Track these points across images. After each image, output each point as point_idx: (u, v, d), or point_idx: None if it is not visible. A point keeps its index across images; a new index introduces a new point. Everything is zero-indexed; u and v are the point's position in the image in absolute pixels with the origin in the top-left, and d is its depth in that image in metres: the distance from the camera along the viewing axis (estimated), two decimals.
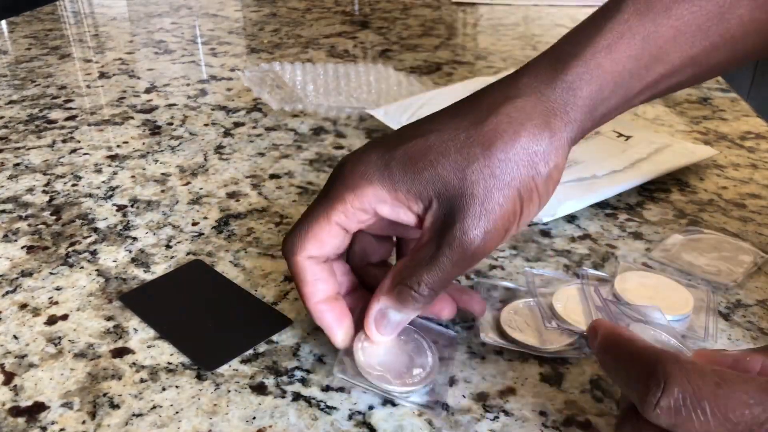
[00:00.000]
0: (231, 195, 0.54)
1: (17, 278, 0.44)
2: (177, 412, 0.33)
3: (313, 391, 0.34)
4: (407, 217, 0.33)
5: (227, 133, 0.66)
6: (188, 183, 0.56)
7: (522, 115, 0.32)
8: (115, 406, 0.34)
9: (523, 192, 0.32)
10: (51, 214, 0.51)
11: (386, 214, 0.33)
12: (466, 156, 0.32)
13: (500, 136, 0.32)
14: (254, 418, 0.33)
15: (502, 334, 0.37)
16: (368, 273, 0.38)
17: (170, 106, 0.73)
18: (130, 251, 0.46)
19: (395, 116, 0.62)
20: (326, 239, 0.34)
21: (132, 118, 0.70)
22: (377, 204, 0.33)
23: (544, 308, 0.38)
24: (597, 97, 0.33)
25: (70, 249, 0.47)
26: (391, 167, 0.33)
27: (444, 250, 0.31)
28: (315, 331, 0.38)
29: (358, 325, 0.35)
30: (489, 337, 0.37)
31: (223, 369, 0.36)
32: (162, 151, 0.62)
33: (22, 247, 0.47)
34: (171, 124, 0.68)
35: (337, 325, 0.35)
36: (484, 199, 0.31)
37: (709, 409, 0.23)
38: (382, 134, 0.35)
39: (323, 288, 0.35)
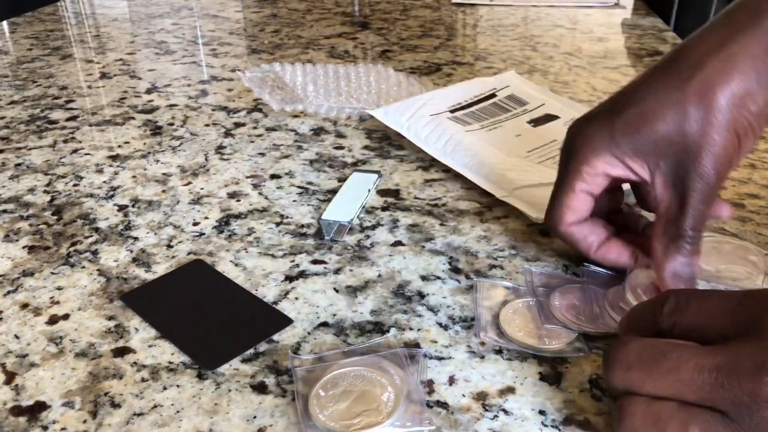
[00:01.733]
0: (232, 195, 0.54)
1: (18, 278, 0.44)
2: (178, 412, 0.33)
3: None
4: (638, 178, 0.38)
5: (228, 134, 0.66)
6: (189, 183, 0.56)
7: (729, 65, 0.35)
8: (116, 406, 0.34)
9: (740, 130, 0.36)
10: (52, 214, 0.52)
11: (620, 175, 0.39)
12: (683, 113, 0.35)
13: (711, 89, 0.35)
14: (255, 417, 0.33)
15: (502, 333, 0.37)
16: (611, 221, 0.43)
17: (171, 106, 0.73)
18: (131, 251, 0.47)
19: (395, 117, 0.62)
20: (578, 206, 0.40)
21: (133, 118, 0.70)
22: (610, 170, 0.38)
23: (542, 306, 0.39)
24: None
25: (71, 249, 0.47)
26: (615, 138, 0.38)
27: (690, 196, 0.36)
28: (315, 331, 0.38)
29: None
30: (488, 336, 0.37)
31: (224, 368, 0.36)
32: (163, 151, 0.62)
33: (24, 247, 0.47)
34: (172, 124, 0.68)
35: (622, 256, 0.40)
36: (708, 145, 0.35)
37: (696, 307, 0.29)
38: (604, 102, 0.40)
39: (595, 239, 0.41)
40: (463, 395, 0.34)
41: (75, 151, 0.63)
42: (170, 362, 0.36)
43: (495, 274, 0.43)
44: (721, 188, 0.37)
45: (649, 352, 0.28)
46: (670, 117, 0.36)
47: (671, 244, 0.37)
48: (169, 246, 0.47)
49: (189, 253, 0.46)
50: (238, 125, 0.68)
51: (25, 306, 0.41)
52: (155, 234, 0.49)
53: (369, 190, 0.54)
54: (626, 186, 0.43)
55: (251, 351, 0.37)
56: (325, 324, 0.39)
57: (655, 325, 0.30)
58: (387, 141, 0.63)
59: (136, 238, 0.48)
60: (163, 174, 0.58)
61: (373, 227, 0.49)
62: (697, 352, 0.27)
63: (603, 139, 0.38)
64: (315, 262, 0.45)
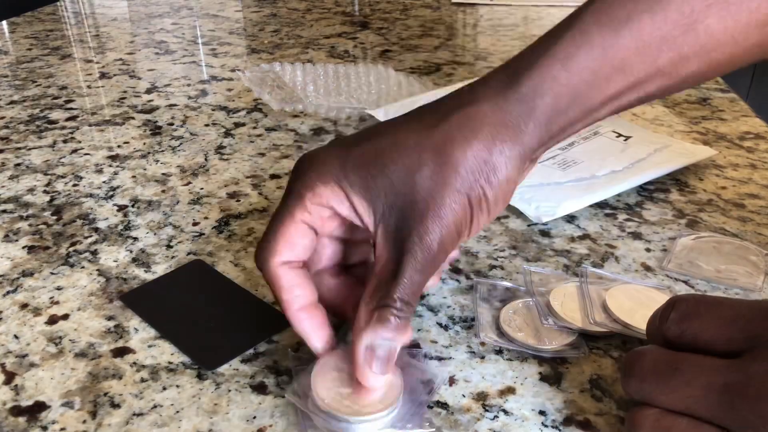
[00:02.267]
0: (231, 195, 0.54)
1: (18, 278, 0.44)
2: (177, 412, 0.33)
3: None
4: (361, 224, 0.33)
5: (228, 134, 0.66)
6: (189, 183, 0.56)
7: (474, 123, 0.32)
8: (115, 406, 0.34)
9: (473, 200, 0.32)
10: (52, 214, 0.52)
11: (345, 214, 0.33)
12: (417, 160, 0.32)
13: (450, 143, 0.32)
14: (255, 417, 0.33)
15: (502, 333, 0.37)
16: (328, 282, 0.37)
17: (171, 106, 0.73)
18: (131, 251, 0.47)
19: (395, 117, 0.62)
20: (296, 240, 0.34)
21: (133, 118, 0.70)
22: (335, 203, 0.33)
23: (541, 306, 0.39)
24: (553, 110, 0.32)
25: (70, 249, 0.47)
26: (346, 170, 0.33)
27: (406, 260, 0.31)
28: None
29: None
30: (488, 336, 0.37)
31: (224, 368, 0.36)
32: (163, 151, 0.62)
33: (23, 247, 0.47)
34: (172, 124, 0.68)
35: (316, 333, 0.34)
36: (435, 205, 0.31)
37: (705, 314, 0.28)
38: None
39: (301, 294, 0.34)
40: (463, 395, 0.34)
41: (74, 151, 0.62)
42: (170, 362, 0.36)
43: (495, 274, 0.43)
44: (442, 260, 0.33)
45: (663, 365, 0.28)
46: (402, 163, 0.32)
47: (376, 313, 0.31)
48: (169, 246, 0.47)
49: (189, 254, 0.46)
50: (237, 125, 0.68)
51: (24, 306, 0.41)
52: (155, 234, 0.49)
53: None
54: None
55: (251, 351, 0.37)
56: None
57: (662, 333, 0.30)
58: None
59: (135, 238, 0.48)
60: (163, 174, 0.58)
61: None
62: (709, 369, 0.27)
63: (333, 167, 0.33)
64: None
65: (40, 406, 0.34)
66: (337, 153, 0.34)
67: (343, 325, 0.37)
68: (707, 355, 0.28)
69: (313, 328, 0.34)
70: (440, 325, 0.39)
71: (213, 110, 0.72)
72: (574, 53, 0.32)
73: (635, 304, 0.38)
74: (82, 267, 0.45)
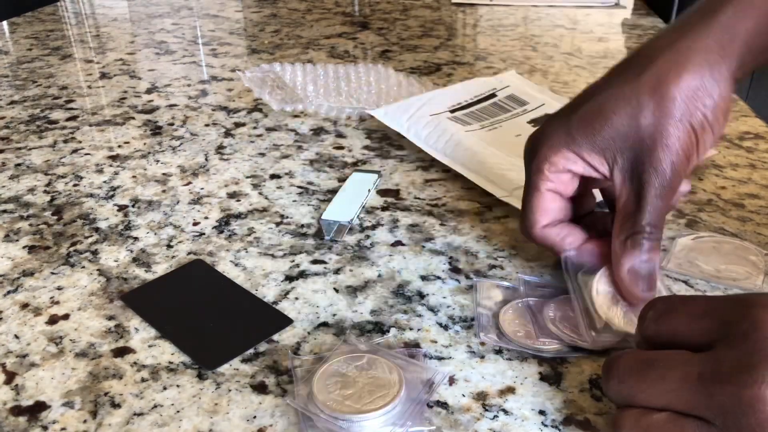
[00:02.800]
0: (232, 195, 0.54)
1: (18, 278, 0.44)
2: (178, 412, 0.33)
3: None
4: (599, 174, 0.38)
5: (228, 134, 0.66)
6: (189, 183, 0.56)
7: (681, 56, 0.35)
8: (116, 406, 0.34)
9: (695, 124, 0.35)
10: (52, 214, 0.52)
11: (581, 172, 0.38)
12: (636, 105, 0.35)
13: (664, 80, 0.35)
14: (255, 417, 0.33)
15: (502, 333, 0.37)
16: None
17: (171, 106, 0.73)
18: (131, 251, 0.47)
19: (395, 117, 0.62)
20: (548, 206, 0.39)
21: (133, 118, 0.70)
22: (570, 165, 0.38)
23: (536, 319, 0.38)
24: (754, 32, 0.36)
25: (71, 249, 0.47)
26: (571, 133, 0.37)
27: (646, 191, 0.35)
28: (315, 331, 0.38)
29: None
30: (488, 337, 0.37)
31: (224, 368, 0.36)
32: (163, 151, 0.62)
33: (24, 247, 0.47)
34: (172, 124, 0.68)
35: (598, 257, 0.39)
36: (662, 137, 0.35)
37: (678, 311, 0.29)
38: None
39: (572, 240, 0.39)
40: (463, 395, 0.34)
41: (75, 151, 0.63)
42: (170, 362, 0.36)
43: (495, 274, 0.43)
44: (679, 184, 0.37)
45: (639, 364, 0.28)
46: (623, 111, 0.36)
47: (629, 240, 0.36)
48: (169, 246, 0.47)
49: (189, 253, 0.46)
50: (238, 125, 0.68)
51: (25, 306, 0.41)
52: (155, 234, 0.49)
53: (369, 190, 0.54)
54: (597, 192, 0.43)
55: (251, 351, 0.37)
56: (325, 324, 0.39)
57: (641, 333, 0.30)
58: (387, 141, 0.63)
59: (136, 238, 0.48)
60: (163, 174, 0.58)
61: (373, 227, 0.49)
62: (683, 361, 0.27)
63: (559, 136, 0.38)
64: (315, 262, 0.45)
65: (40, 406, 0.34)
66: (558, 123, 0.38)
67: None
68: (679, 350, 0.28)
69: (594, 256, 0.39)
70: (440, 324, 0.39)
71: (213, 110, 0.72)
72: None
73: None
74: (83, 267, 0.45)
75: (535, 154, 0.39)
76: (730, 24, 0.36)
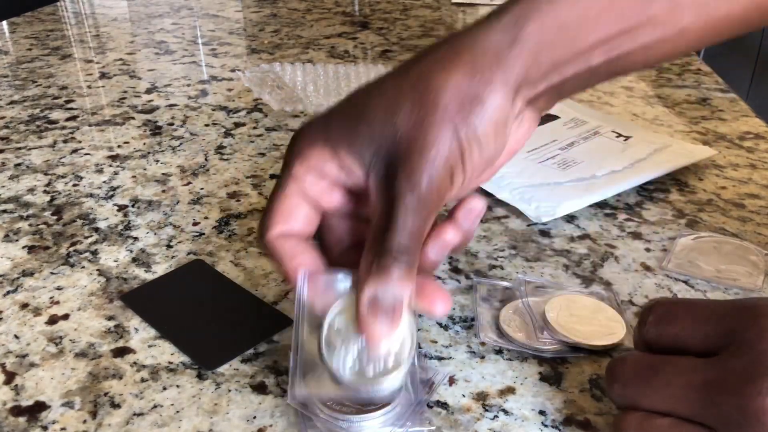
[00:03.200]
0: (231, 195, 0.54)
1: (18, 278, 0.44)
2: (178, 412, 0.33)
3: None
4: (352, 180, 0.32)
5: (228, 134, 0.66)
6: (189, 183, 0.56)
7: (452, 54, 0.31)
8: (115, 406, 0.34)
9: (460, 133, 0.30)
10: (52, 214, 0.52)
11: (335, 175, 0.32)
12: (395, 103, 0.31)
13: (427, 77, 0.30)
14: (255, 417, 0.33)
15: (502, 334, 0.37)
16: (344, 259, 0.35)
17: (171, 106, 0.73)
18: (131, 251, 0.47)
19: None
20: (291, 210, 0.33)
21: (133, 118, 0.70)
22: (323, 165, 0.32)
23: (535, 317, 0.38)
24: (539, 40, 0.31)
25: (71, 249, 0.47)
26: (330, 128, 0.32)
27: (397, 203, 0.30)
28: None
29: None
30: (488, 337, 0.37)
31: (224, 368, 0.36)
32: (163, 151, 0.62)
33: (23, 247, 0.47)
34: (172, 124, 0.68)
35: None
36: (418, 141, 0.30)
37: (681, 315, 0.28)
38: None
39: (309, 262, 0.32)
40: (463, 395, 0.34)
41: (75, 151, 0.63)
42: (170, 362, 0.36)
43: (495, 274, 0.43)
44: (438, 206, 0.31)
45: (643, 368, 0.28)
46: (381, 106, 0.31)
47: (374, 264, 0.29)
48: (169, 246, 0.47)
49: (189, 253, 0.46)
50: (237, 125, 0.68)
51: (24, 306, 0.41)
52: (155, 234, 0.49)
53: None
54: None
55: (251, 351, 0.37)
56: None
57: (642, 337, 0.30)
58: None
59: (135, 238, 0.48)
60: (163, 174, 0.58)
61: None
62: (688, 368, 0.27)
63: (317, 128, 0.33)
64: None
65: (40, 406, 0.34)
66: (322, 116, 0.33)
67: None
68: (684, 356, 0.28)
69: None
70: (440, 325, 0.39)
71: (213, 110, 0.72)
72: None
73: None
74: (83, 267, 0.45)
75: (291, 149, 0.33)
76: (512, 26, 0.31)
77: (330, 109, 0.33)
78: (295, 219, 0.33)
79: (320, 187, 0.33)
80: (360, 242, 0.33)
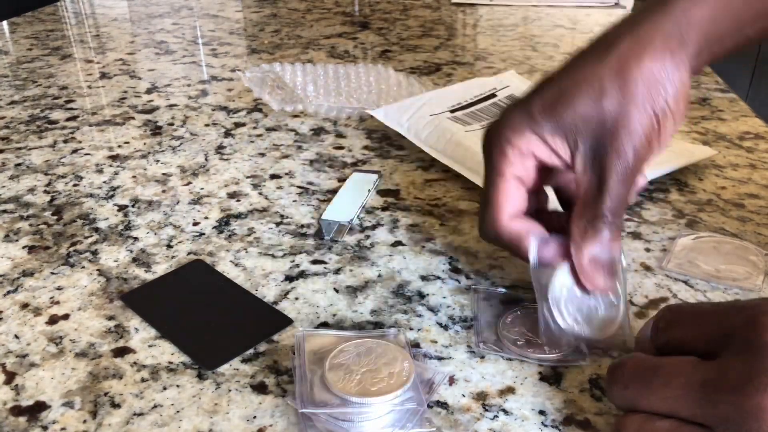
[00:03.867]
0: (232, 195, 0.54)
1: (18, 278, 0.44)
2: (178, 412, 0.33)
3: None
4: (559, 160, 0.37)
5: (228, 134, 0.66)
6: (189, 183, 0.56)
7: (641, 42, 0.35)
8: (116, 406, 0.34)
9: (657, 110, 0.35)
10: (52, 214, 0.52)
11: (543, 157, 0.37)
12: (598, 89, 0.35)
13: (626, 65, 0.35)
14: (255, 417, 0.33)
15: (501, 343, 0.37)
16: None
17: (171, 106, 0.73)
18: (131, 251, 0.47)
19: (395, 117, 0.62)
20: (513, 193, 0.37)
21: (133, 118, 0.70)
22: (535, 150, 0.37)
23: (544, 315, 0.37)
24: (708, 19, 0.36)
25: (71, 249, 0.47)
26: (534, 117, 0.36)
27: (608, 175, 0.34)
28: (315, 331, 0.38)
29: None
30: (488, 346, 0.37)
31: (224, 368, 0.36)
32: (163, 151, 0.62)
33: (24, 247, 0.47)
34: (172, 124, 0.68)
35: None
36: (624, 121, 0.34)
37: (686, 320, 0.29)
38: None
39: (540, 232, 0.37)
40: (463, 395, 0.34)
41: (75, 151, 0.63)
42: (170, 362, 0.36)
43: (495, 274, 0.43)
44: (640, 171, 0.36)
45: (643, 370, 0.28)
46: (586, 94, 0.35)
47: (589, 228, 0.35)
48: (169, 246, 0.47)
49: (189, 253, 0.46)
50: (238, 125, 0.68)
51: (25, 306, 0.41)
52: (155, 234, 0.49)
53: (369, 190, 0.54)
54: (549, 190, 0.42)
55: (251, 351, 0.37)
56: (325, 324, 0.39)
57: (654, 342, 0.31)
58: (387, 141, 0.63)
59: (136, 238, 0.48)
60: (163, 174, 0.58)
61: (373, 227, 0.49)
62: (687, 369, 0.27)
63: (522, 119, 0.37)
64: (315, 262, 0.45)
65: (40, 406, 0.34)
66: (520, 108, 0.37)
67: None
68: (684, 357, 0.28)
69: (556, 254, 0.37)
70: (440, 324, 0.39)
71: (213, 110, 0.72)
72: None
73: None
74: (83, 267, 0.45)
75: (496, 139, 0.37)
76: (686, 10, 0.36)
77: (524, 101, 0.37)
78: (517, 200, 0.38)
79: (530, 170, 0.38)
80: (533, 212, 0.39)
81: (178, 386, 0.35)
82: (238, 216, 0.51)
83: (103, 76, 0.84)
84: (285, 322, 0.39)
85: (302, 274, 0.44)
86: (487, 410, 0.33)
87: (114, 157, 0.61)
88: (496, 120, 0.38)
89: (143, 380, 0.35)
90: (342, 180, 0.56)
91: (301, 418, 0.32)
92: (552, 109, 0.36)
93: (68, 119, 0.70)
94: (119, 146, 0.63)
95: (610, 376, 0.30)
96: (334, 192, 0.54)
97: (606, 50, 0.36)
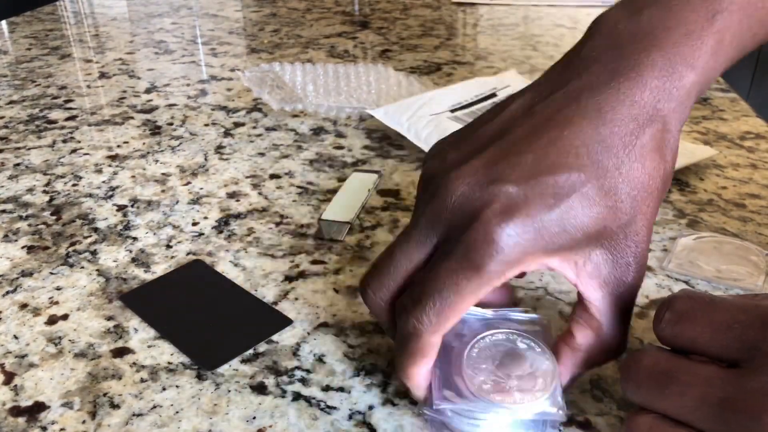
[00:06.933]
0: (231, 195, 0.54)
1: (17, 278, 0.44)
2: (177, 412, 0.33)
3: (313, 391, 0.34)
4: (571, 274, 0.31)
5: (227, 133, 0.66)
6: (188, 183, 0.56)
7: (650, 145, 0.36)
8: (115, 406, 0.34)
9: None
10: (51, 214, 0.51)
11: (556, 267, 0.31)
12: (613, 212, 0.30)
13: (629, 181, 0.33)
14: (254, 417, 0.33)
15: (460, 389, 0.30)
16: None
17: (170, 106, 0.73)
18: (131, 251, 0.46)
19: (395, 116, 0.62)
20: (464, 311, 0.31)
21: (132, 118, 0.70)
22: (533, 266, 0.31)
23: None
24: (738, 19, 0.35)
25: (70, 249, 0.47)
26: (543, 238, 0.30)
27: (613, 303, 0.31)
28: (315, 331, 0.38)
29: None
30: (444, 397, 0.30)
31: (224, 369, 0.36)
32: (162, 151, 0.62)
33: (23, 247, 0.47)
34: (171, 124, 0.68)
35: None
36: (631, 235, 0.31)
37: (700, 318, 0.27)
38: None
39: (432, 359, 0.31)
40: None
41: (74, 150, 0.62)
42: (169, 363, 0.36)
43: None
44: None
45: (659, 372, 0.27)
46: (592, 218, 0.30)
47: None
48: (169, 246, 0.47)
49: (188, 253, 0.46)
50: (237, 125, 0.68)
51: (24, 306, 0.41)
52: (154, 234, 0.48)
53: (369, 190, 0.54)
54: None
55: (251, 351, 0.37)
56: (325, 324, 0.39)
57: (657, 334, 0.29)
58: (387, 141, 0.63)
59: (135, 238, 0.48)
60: (163, 174, 0.58)
61: (373, 227, 0.49)
62: (705, 380, 0.26)
63: (532, 241, 0.30)
64: (315, 262, 0.45)
65: (39, 407, 0.34)
66: (530, 219, 0.29)
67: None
68: (703, 363, 0.27)
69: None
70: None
71: (213, 110, 0.72)
72: None
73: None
74: (82, 267, 0.45)
75: (499, 253, 0.29)
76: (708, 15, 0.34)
77: (527, 204, 0.30)
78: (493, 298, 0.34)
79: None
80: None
81: (177, 387, 0.35)
82: (238, 216, 0.51)
83: (102, 75, 0.84)
84: (284, 322, 0.39)
85: (302, 275, 0.43)
86: None
87: (113, 157, 0.61)
88: (498, 231, 0.29)
89: (142, 381, 0.35)
90: (342, 180, 0.56)
91: (430, 425, 0.31)
92: (562, 227, 0.30)
93: (67, 119, 0.70)
94: (118, 146, 0.63)
95: (624, 371, 0.29)
96: (334, 192, 0.54)
97: (610, 161, 0.32)
